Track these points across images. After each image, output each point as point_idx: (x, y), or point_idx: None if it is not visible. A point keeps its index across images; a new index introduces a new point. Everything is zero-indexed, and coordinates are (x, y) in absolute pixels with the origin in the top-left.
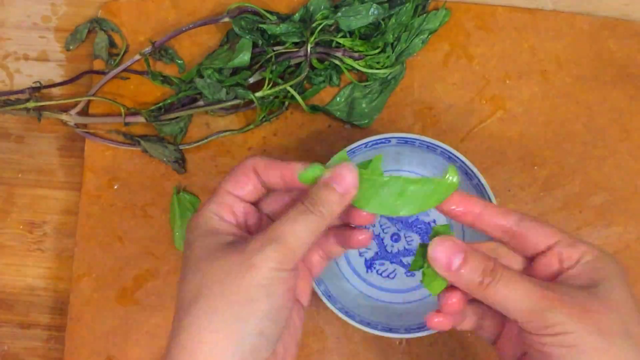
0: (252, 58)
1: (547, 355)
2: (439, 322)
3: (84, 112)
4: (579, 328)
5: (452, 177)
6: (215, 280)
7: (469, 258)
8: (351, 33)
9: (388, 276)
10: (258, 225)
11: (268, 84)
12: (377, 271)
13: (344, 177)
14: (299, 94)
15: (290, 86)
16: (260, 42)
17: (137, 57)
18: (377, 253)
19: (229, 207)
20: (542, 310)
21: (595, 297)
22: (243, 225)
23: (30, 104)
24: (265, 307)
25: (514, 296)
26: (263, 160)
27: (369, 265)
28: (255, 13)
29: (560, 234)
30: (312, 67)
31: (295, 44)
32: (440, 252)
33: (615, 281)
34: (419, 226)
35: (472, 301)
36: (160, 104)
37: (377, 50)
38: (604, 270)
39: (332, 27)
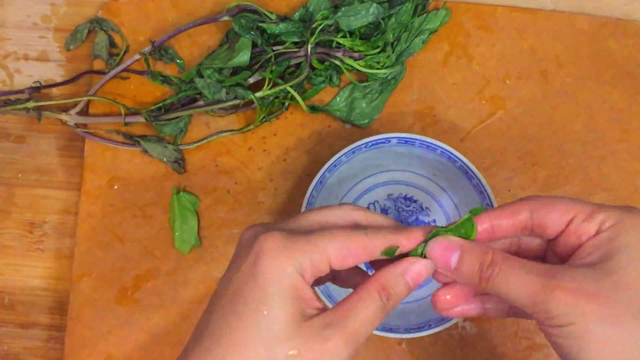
0: (251, 58)
1: (558, 346)
2: (445, 301)
3: (84, 112)
4: (584, 317)
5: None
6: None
7: (465, 255)
8: (351, 33)
9: None
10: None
11: (268, 84)
12: None
13: (421, 275)
14: (299, 94)
15: (291, 86)
16: (259, 41)
17: (137, 56)
18: None
19: (317, 271)
20: (544, 302)
21: (605, 276)
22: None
23: (30, 104)
24: None
25: (515, 289)
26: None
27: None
28: (255, 12)
29: (576, 207)
30: (312, 68)
31: (295, 43)
32: (436, 252)
33: (634, 247)
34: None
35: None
36: (160, 104)
37: (377, 50)
38: (621, 237)
39: (332, 27)
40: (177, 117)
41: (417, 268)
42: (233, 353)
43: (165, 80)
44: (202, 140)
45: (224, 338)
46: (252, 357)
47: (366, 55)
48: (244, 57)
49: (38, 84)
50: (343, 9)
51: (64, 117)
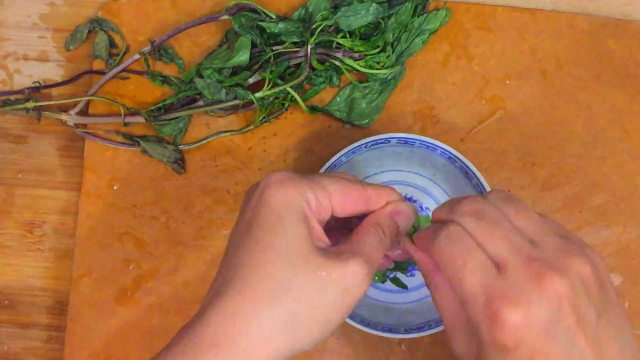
0: (251, 58)
1: None
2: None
3: (84, 112)
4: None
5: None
6: (308, 288)
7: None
8: (351, 33)
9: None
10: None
11: (268, 85)
12: None
13: (402, 212)
14: (299, 94)
15: (290, 87)
16: (258, 41)
17: (137, 56)
18: None
19: (321, 207)
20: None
21: None
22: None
23: (30, 104)
24: (334, 328)
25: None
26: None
27: None
28: (254, 11)
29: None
30: (312, 68)
31: (295, 43)
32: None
33: None
34: None
35: None
36: (160, 104)
37: (377, 50)
38: None
39: (332, 28)
40: (176, 117)
41: (398, 205)
42: (257, 280)
43: (165, 80)
44: (202, 140)
45: (246, 268)
46: (277, 278)
47: (366, 55)
48: (243, 56)
49: (38, 84)
50: (343, 9)
51: (63, 117)
